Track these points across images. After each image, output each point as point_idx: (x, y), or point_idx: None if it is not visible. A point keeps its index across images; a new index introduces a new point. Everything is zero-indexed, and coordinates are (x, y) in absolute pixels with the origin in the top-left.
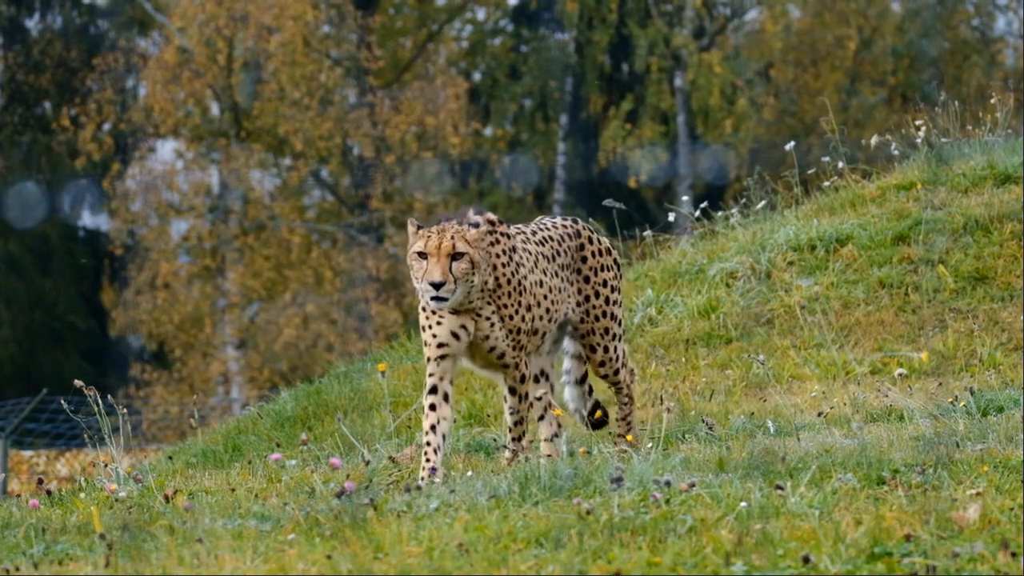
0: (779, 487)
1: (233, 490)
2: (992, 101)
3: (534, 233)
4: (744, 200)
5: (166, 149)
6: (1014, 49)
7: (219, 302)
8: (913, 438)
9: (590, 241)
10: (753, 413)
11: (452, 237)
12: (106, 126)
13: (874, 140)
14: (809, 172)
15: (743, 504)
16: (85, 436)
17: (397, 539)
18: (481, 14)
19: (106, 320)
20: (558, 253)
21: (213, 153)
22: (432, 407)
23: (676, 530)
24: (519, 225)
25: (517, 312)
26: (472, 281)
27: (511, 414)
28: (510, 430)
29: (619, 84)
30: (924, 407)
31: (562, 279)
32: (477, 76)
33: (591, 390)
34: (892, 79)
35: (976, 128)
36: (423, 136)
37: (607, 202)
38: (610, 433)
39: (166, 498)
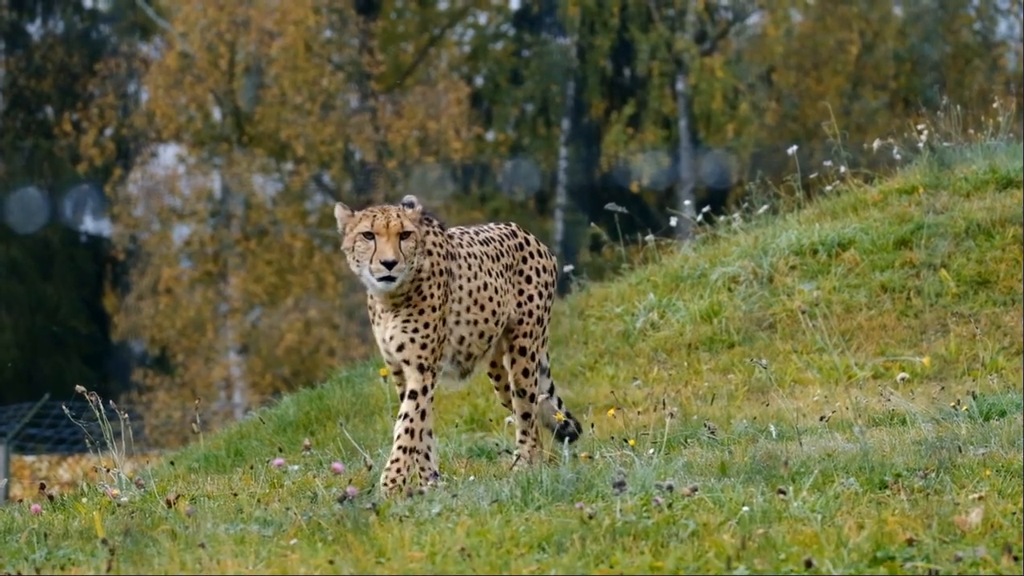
0: (781, 491)
1: (235, 495)
2: (994, 105)
3: (477, 234)
4: (746, 204)
5: (168, 154)
6: (1016, 53)
7: (221, 307)
8: (915, 442)
9: (527, 242)
10: (755, 417)
11: (398, 216)
12: (108, 131)
13: (876, 144)
14: (811, 176)
15: (745, 508)
16: (87, 441)
17: (399, 544)
18: (483, 19)
19: (108, 325)
20: (501, 253)
21: (215, 158)
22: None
23: (678, 534)
24: (462, 227)
25: (437, 309)
26: (412, 261)
27: (404, 419)
28: (397, 437)
29: (621, 88)
30: (926, 411)
31: (506, 279)
32: (479, 80)
33: (560, 402)
34: (894, 83)
35: (978, 132)
36: (425, 141)
37: (609, 206)
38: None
39: (168, 503)
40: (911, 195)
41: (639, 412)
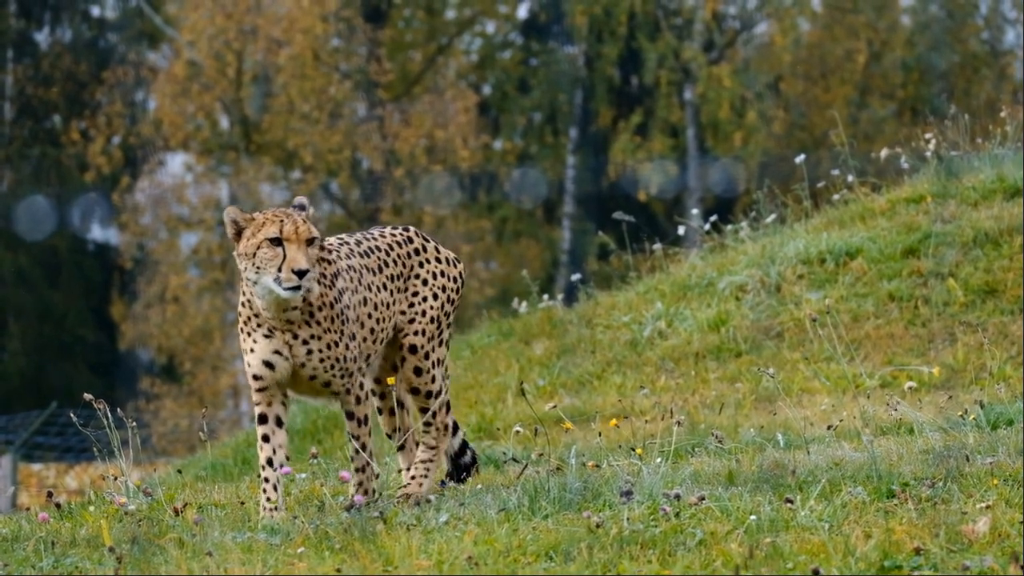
0: (789, 500)
1: (243, 503)
2: (1002, 114)
3: (359, 244)
4: (754, 213)
5: (176, 162)
6: (1023, 62)
7: (228, 315)
8: (923, 451)
9: (424, 249)
10: (763, 426)
11: (305, 221)
12: (115, 139)
13: (884, 153)
14: (819, 185)
15: (753, 517)
16: (95, 449)
17: (407, 552)
18: (491, 27)
19: (116, 333)
20: (385, 264)
21: (223, 166)
22: (265, 438)
23: (686, 543)
24: (343, 236)
25: (340, 341)
26: (317, 269)
27: (352, 439)
28: (352, 459)
29: (628, 97)
30: (934, 420)
31: (389, 291)
32: (487, 89)
33: (456, 427)
34: (902, 92)
35: (985, 141)
36: (432, 149)
37: (617, 215)
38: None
39: (176, 511)
40: (919, 204)
41: (646, 421)
